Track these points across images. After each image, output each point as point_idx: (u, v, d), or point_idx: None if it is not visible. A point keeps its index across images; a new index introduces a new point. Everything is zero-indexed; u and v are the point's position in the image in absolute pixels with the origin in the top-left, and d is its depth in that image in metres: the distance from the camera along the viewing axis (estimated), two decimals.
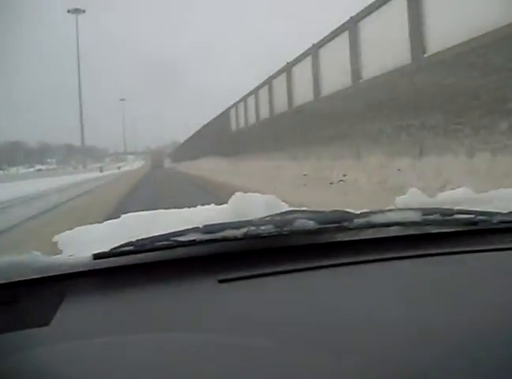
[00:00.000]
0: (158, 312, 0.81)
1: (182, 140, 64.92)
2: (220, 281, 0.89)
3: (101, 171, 40.41)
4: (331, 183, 11.35)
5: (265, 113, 21.62)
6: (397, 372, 0.59)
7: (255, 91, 23.27)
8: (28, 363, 0.64)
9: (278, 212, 1.12)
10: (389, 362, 0.61)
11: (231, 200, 1.19)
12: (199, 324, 0.75)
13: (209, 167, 26.80)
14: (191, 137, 43.95)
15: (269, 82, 20.91)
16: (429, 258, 1.02)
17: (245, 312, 0.79)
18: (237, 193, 1.18)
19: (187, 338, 0.69)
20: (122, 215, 1.20)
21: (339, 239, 1.09)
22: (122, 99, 75.59)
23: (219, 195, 10.48)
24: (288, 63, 18.24)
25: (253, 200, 1.17)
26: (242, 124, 25.61)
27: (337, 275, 0.96)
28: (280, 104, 19.22)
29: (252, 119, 23.88)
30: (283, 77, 18.94)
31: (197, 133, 36.25)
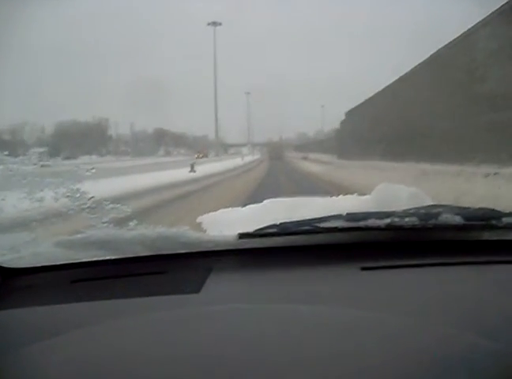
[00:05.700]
0: (299, 292, 0.85)
1: (311, 134, 57.13)
2: (363, 268, 0.92)
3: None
4: None
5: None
6: None
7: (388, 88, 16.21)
8: (180, 323, 0.70)
9: (421, 205, 1.11)
10: None
11: (374, 191, 1.19)
12: (342, 303, 0.78)
13: None
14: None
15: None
16: None
17: (387, 300, 0.80)
18: (381, 184, 1.18)
19: (330, 312, 0.72)
20: (265, 200, 1.28)
21: (486, 238, 1.05)
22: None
23: None
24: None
25: (397, 192, 1.17)
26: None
27: (484, 272, 0.92)
28: None
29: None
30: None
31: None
